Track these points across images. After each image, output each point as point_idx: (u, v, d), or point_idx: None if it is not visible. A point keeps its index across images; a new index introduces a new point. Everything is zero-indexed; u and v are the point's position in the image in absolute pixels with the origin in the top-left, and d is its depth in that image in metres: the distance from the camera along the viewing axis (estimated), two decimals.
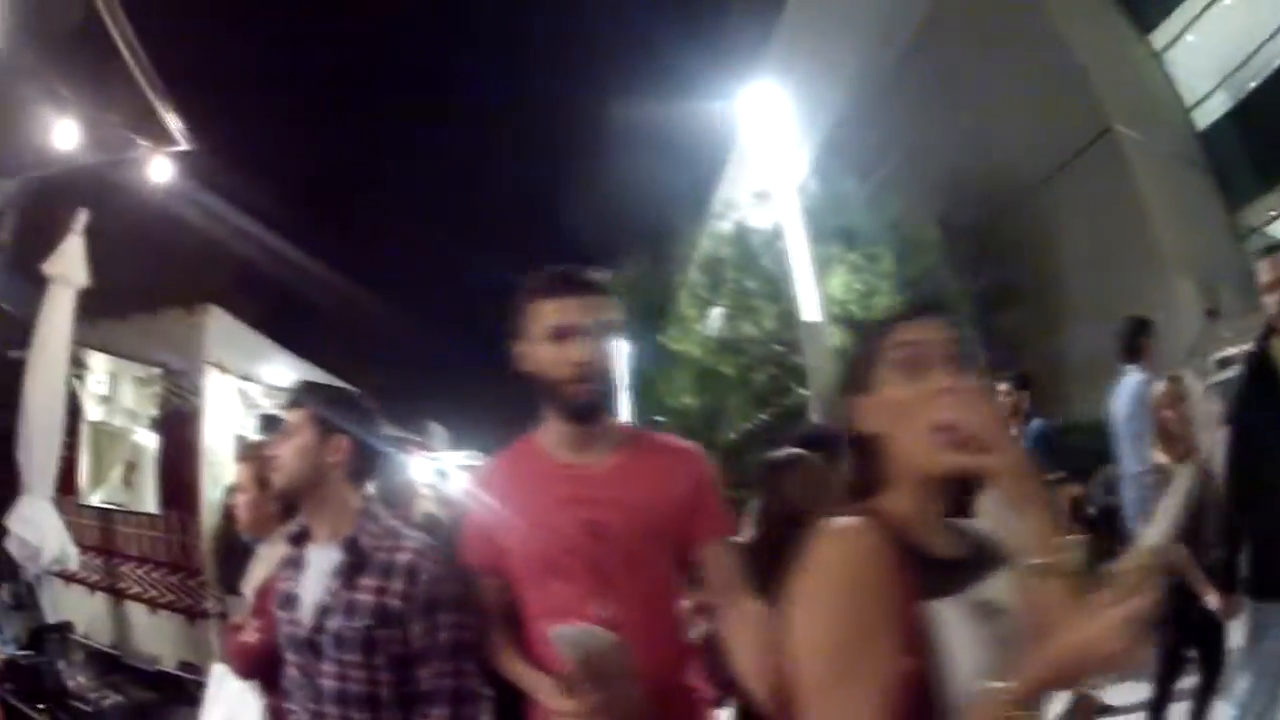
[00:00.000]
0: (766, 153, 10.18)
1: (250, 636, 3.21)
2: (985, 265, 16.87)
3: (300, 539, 2.81)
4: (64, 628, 7.15)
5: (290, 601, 2.72)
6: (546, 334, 2.54)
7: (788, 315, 13.15)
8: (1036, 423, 6.82)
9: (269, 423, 11.12)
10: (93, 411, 9.95)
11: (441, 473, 18.43)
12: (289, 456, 2.73)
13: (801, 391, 14.04)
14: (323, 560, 2.69)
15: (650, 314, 21.71)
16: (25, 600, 7.62)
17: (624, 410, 22.96)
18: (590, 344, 2.52)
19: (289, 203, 23.29)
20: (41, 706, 5.21)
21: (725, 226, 17.28)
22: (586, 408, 2.56)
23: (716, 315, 16.21)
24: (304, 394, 2.93)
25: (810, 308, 9.35)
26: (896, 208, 15.78)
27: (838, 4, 19.06)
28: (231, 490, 7.92)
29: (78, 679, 5.25)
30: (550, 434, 2.66)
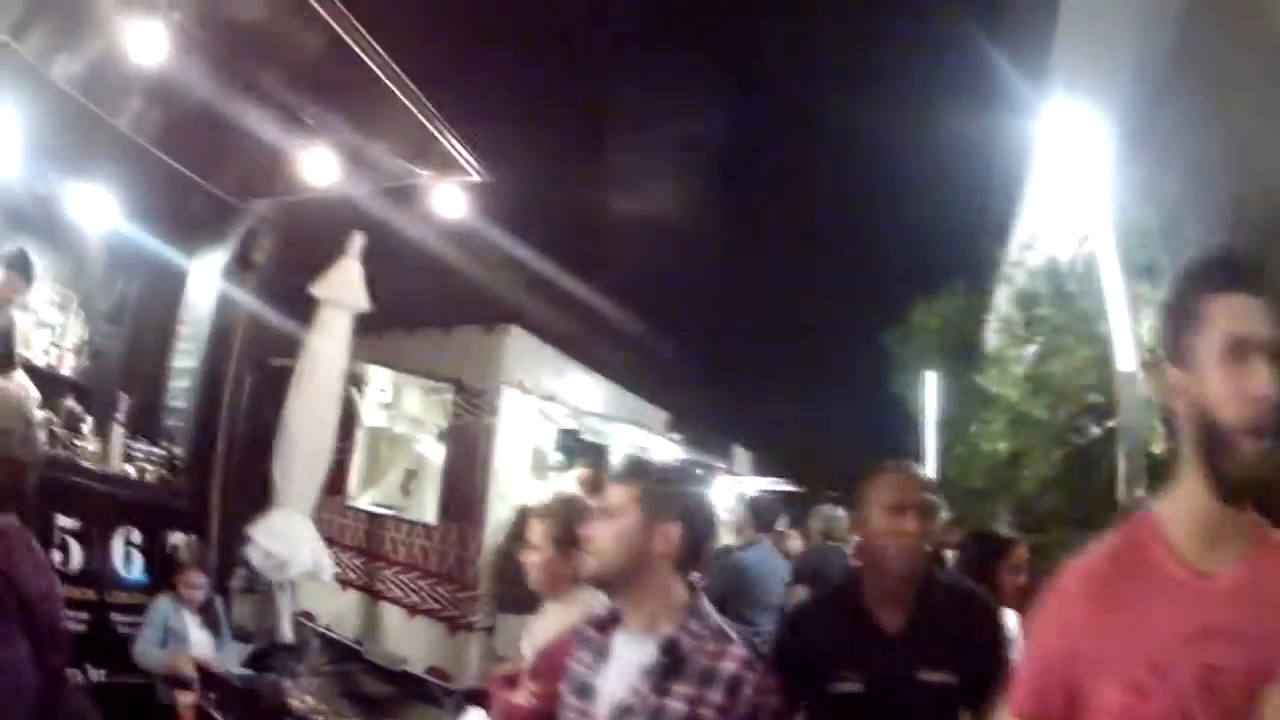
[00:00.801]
0: (1069, 176, 9.47)
1: (525, 699, 3.04)
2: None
3: (608, 624, 2.52)
4: (299, 649, 7.18)
5: (586, 691, 2.44)
6: (1220, 349, 1.66)
7: (1102, 358, 12.51)
8: None
9: (568, 441, 11.08)
10: (372, 417, 10.01)
11: (743, 497, 18.58)
12: (609, 541, 2.44)
13: (1098, 429, 13.44)
14: (633, 653, 2.40)
15: (961, 349, 21.14)
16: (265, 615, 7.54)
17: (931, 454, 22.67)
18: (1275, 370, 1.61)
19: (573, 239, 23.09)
20: None
21: (1036, 258, 16.60)
22: (1258, 479, 1.63)
23: (1030, 354, 15.54)
24: (633, 471, 2.61)
25: (1126, 355, 8.62)
26: (1193, 242, 14.78)
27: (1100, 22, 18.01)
28: (523, 540, 7.92)
29: (305, 699, 4.99)
30: (1183, 517, 1.73)
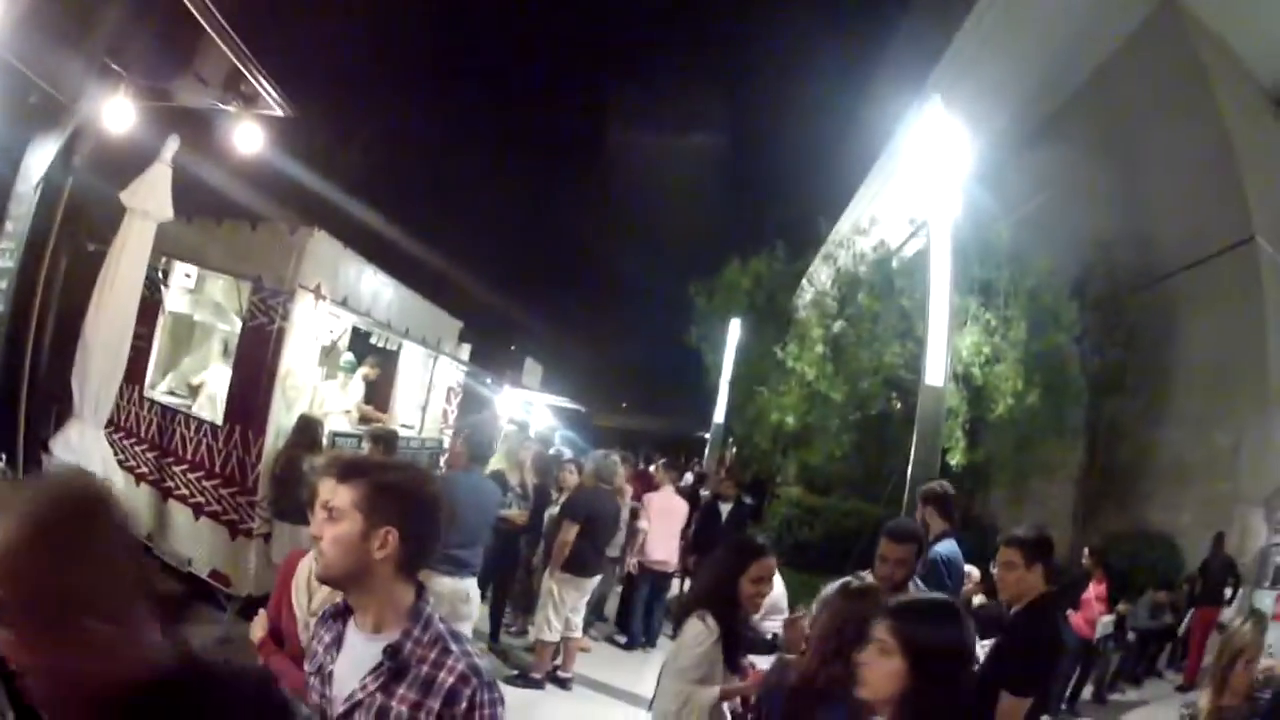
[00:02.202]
0: (928, 176, 9.50)
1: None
2: (1104, 345, 16.22)
3: (343, 614, 2.49)
4: None
5: (323, 677, 2.46)
6: None
7: (913, 358, 12.71)
8: (945, 544, 6.03)
9: (360, 344, 10.92)
10: (174, 302, 9.68)
11: (529, 406, 18.61)
12: (330, 543, 2.37)
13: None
14: (361, 650, 2.40)
15: (768, 313, 21.32)
16: None
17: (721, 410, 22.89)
18: None
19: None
20: None
21: (866, 244, 16.69)
22: None
23: (836, 333, 15.69)
24: (353, 473, 2.46)
25: (936, 368, 8.67)
26: (1039, 271, 15.05)
27: (1008, 39, 18.18)
28: (303, 447, 7.68)
29: None
30: None
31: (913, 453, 8.63)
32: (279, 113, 7.08)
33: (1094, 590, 10.61)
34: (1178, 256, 16.48)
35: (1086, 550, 11.21)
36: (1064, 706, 10.31)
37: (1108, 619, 10.52)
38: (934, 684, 2.54)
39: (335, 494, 2.40)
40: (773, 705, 4.02)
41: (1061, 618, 9.74)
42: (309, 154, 13.19)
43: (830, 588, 4.72)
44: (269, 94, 6.80)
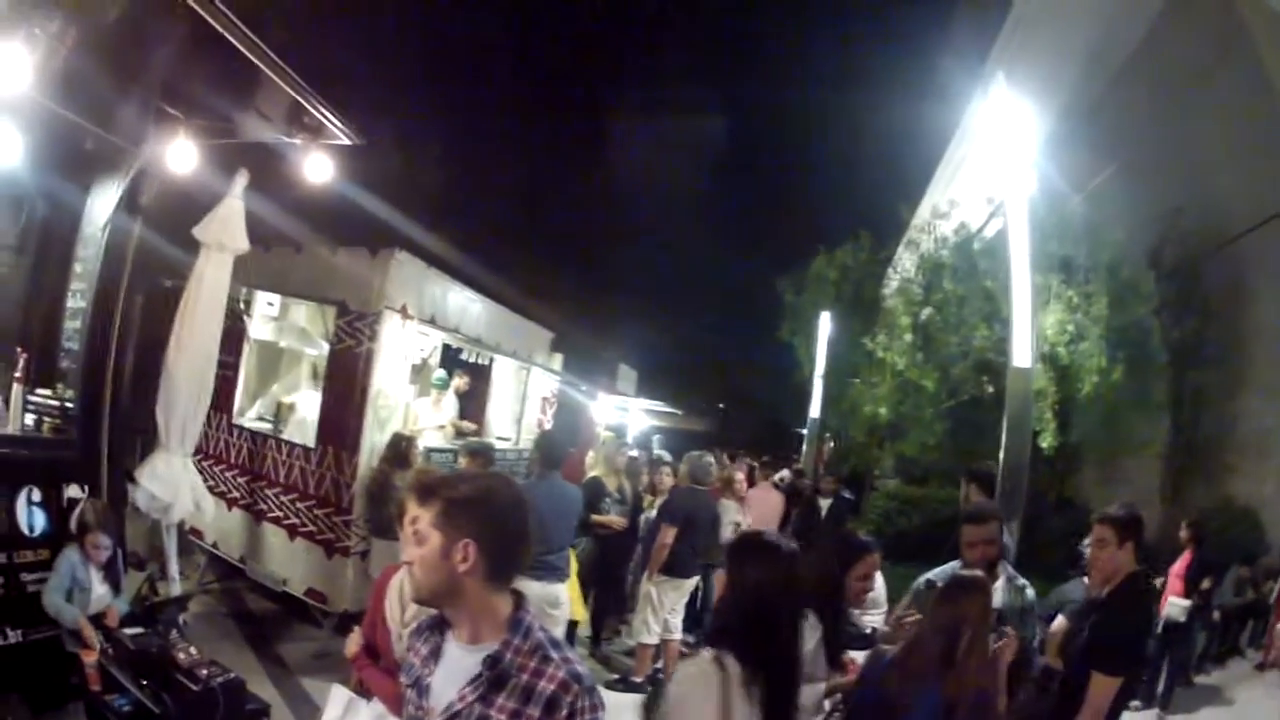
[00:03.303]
0: (1001, 156, 9.43)
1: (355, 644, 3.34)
2: (1182, 315, 15.90)
3: (441, 626, 2.53)
4: (183, 600, 7.13)
5: (420, 689, 2.48)
6: None
7: (1000, 340, 12.58)
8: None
9: (451, 361, 11.11)
10: (259, 330, 9.89)
11: (624, 410, 18.76)
12: (417, 564, 2.43)
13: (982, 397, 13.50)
14: (460, 660, 2.43)
15: (856, 304, 21.26)
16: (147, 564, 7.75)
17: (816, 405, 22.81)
18: None
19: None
20: (145, 683, 5.00)
21: (947, 227, 16.57)
22: None
23: (924, 319, 15.60)
24: (429, 491, 2.49)
25: (1022, 349, 8.58)
26: (1115, 244, 14.82)
27: (1061, 10, 17.95)
28: (396, 465, 7.82)
29: (190, 651, 5.04)
30: None
31: (1004, 437, 8.53)
32: (347, 141, 7.22)
33: (1180, 566, 10.39)
34: (1242, 219, 15.97)
35: (1184, 524, 10.93)
36: (1159, 690, 10.00)
37: (1181, 602, 10.16)
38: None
39: (417, 515, 2.47)
40: (866, 698, 4.05)
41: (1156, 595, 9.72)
42: (386, 177, 13.39)
43: (921, 580, 4.95)
44: (333, 124, 6.91)
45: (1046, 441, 13.52)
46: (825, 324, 22.58)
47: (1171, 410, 16.01)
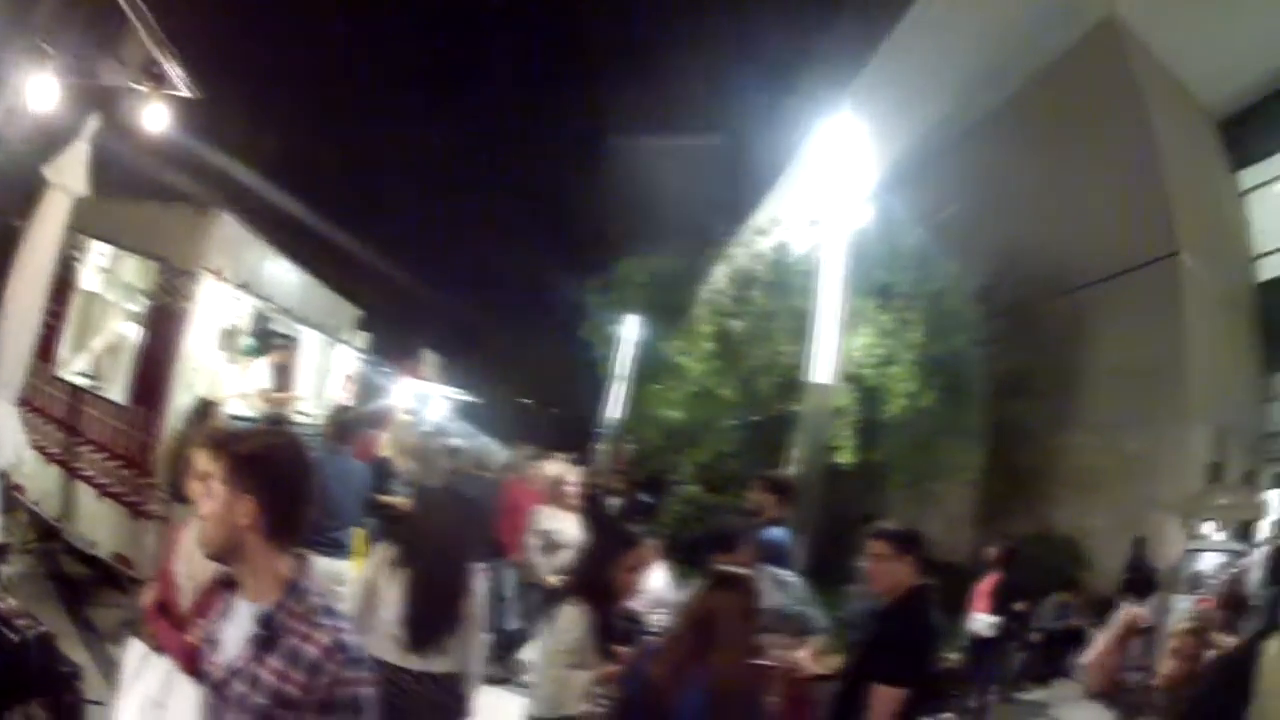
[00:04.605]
0: (830, 182, 9.90)
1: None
2: (1012, 349, 16.71)
3: (231, 584, 2.61)
4: (2, 550, 7.00)
5: (212, 642, 2.59)
6: None
7: (795, 353, 12.92)
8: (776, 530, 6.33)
9: (260, 329, 11.11)
10: (88, 281, 9.84)
11: (425, 398, 18.87)
12: (205, 522, 2.52)
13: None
14: (243, 618, 2.51)
15: (667, 311, 21.52)
16: None
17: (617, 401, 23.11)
18: None
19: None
20: None
21: (766, 244, 17.01)
22: None
23: (730, 331, 15.98)
24: (216, 443, 2.75)
25: (825, 365, 9.04)
26: (944, 277, 15.51)
27: (941, 43, 18.66)
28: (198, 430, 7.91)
29: (8, 600, 5.07)
30: None
31: (796, 449, 8.95)
32: (187, 94, 7.33)
33: (987, 585, 10.95)
34: (1100, 266, 17.14)
35: (993, 546, 11.49)
36: (971, 704, 10.55)
37: (987, 619, 10.73)
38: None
39: (208, 470, 2.66)
40: (633, 686, 4.23)
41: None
42: (223, 140, 13.41)
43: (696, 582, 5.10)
44: (178, 76, 7.05)
45: (846, 459, 14.00)
46: (630, 326, 22.83)
47: (991, 439, 16.77)
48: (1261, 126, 19.42)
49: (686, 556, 5.73)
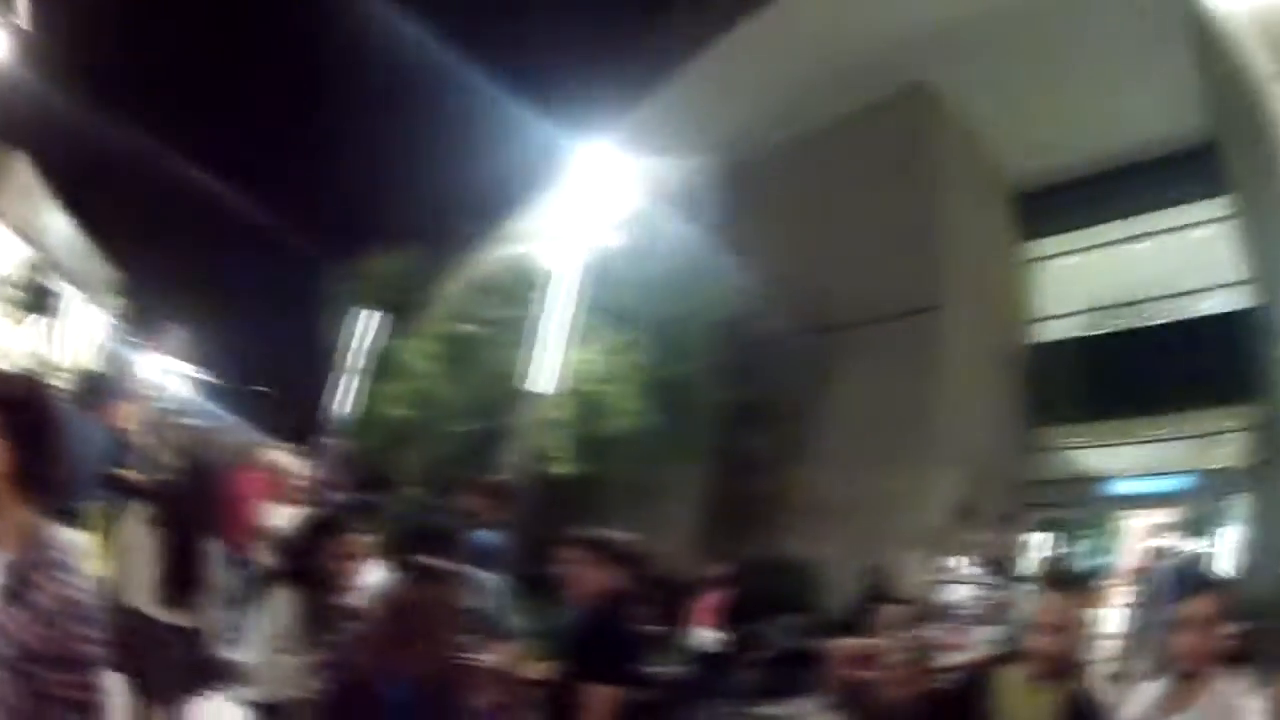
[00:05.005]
0: (583, 202, 10.24)
1: None
2: (756, 380, 17.39)
3: None
4: None
5: None
6: None
7: (520, 363, 13.02)
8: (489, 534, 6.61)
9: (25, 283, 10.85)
10: None
11: (169, 373, 18.51)
12: None
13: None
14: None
15: (404, 309, 21.37)
16: None
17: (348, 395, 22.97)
18: None
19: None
20: None
21: (509, 253, 17.16)
22: None
23: (460, 334, 16.07)
24: None
25: (547, 377, 9.37)
26: (684, 304, 16.01)
27: (740, 79, 19.25)
28: None
29: None
30: None
31: (512, 456, 9.21)
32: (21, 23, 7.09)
33: (710, 602, 11.48)
34: (859, 311, 18.09)
35: (717, 566, 12.04)
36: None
37: (709, 634, 11.20)
38: None
39: None
40: (341, 671, 4.26)
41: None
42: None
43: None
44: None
45: (561, 469, 14.27)
46: (367, 320, 22.79)
47: (721, 463, 17.50)
48: (1057, 205, 21.18)
49: (399, 554, 5.82)
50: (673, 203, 16.75)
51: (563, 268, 9.95)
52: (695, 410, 16.04)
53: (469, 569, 5.33)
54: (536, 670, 5.09)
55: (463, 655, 4.22)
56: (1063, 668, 3.65)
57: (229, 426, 9.17)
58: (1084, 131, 19.36)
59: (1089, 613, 3.80)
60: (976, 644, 11.59)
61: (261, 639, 4.83)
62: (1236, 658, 11.70)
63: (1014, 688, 3.70)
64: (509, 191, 20.28)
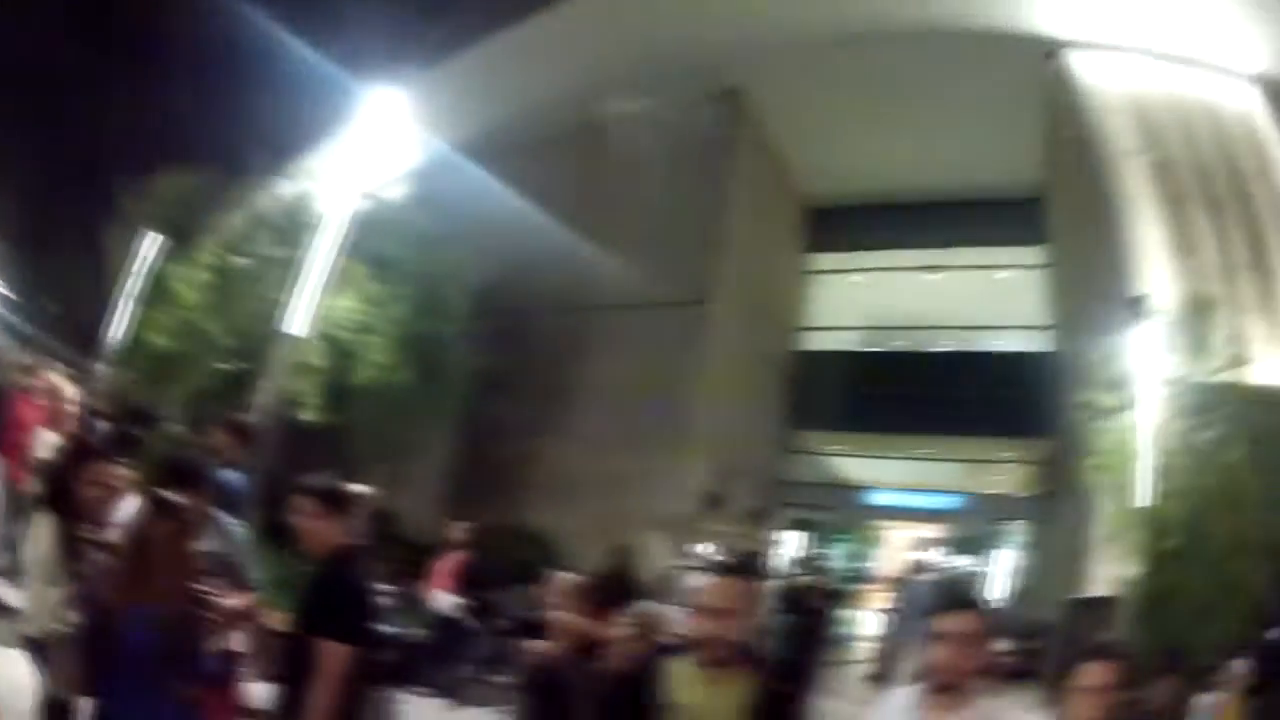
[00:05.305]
0: (366, 151, 10.21)
1: None
2: (508, 350, 17.53)
3: None
4: None
5: None
6: None
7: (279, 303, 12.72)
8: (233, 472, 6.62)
9: None
10: None
11: None
12: None
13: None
14: None
15: (183, 234, 20.58)
16: None
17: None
18: None
19: None
20: None
21: (288, 191, 16.74)
22: None
23: (231, 267, 15.55)
24: None
25: (301, 320, 9.26)
26: (447, 264, 16.05)
27: (549, 54, 19.26)
28: None
29: None
30: None
31: (261, 397, 9.06)
32: None
33: (449, 565, 11.47)
34: (631, 295, 18.59)
35: (458, 526, 11.97)
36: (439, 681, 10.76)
37: (448, 598, 11.22)
38: None
39: None
40: (91, 602, 4.21)
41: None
42: None
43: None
44: None
45: (310, 416, 14.09)
46: (149, 243, 21.98)
47: (470, 429, 17.80)
48: (846, 224, 22.87)
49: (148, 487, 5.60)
50: (460, 165, 16.75)
51: (335, 212, 9.85)
52: (448, 371, 15.90)
53: (212, 509, 5.19)
54: (275, 621, 4.95)
55: (202, 597, 4.19)
56: (725, 653, 3.53)
57: (8, 345, 8.58)
58: (896, 163, 20.92)
59: (756, 599, 3.76)
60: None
61: (27, 570, 4.69)
62: (1013, 675, 12.76)
63: (689, 675, 3.58)
64: (300, 129, 19.69)
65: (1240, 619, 10.25)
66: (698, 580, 3.48)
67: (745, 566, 3.63)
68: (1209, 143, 16.47)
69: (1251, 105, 16.72)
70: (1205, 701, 6.51)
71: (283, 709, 4.30)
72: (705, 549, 15.37)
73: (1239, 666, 5.46)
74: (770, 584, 15.59)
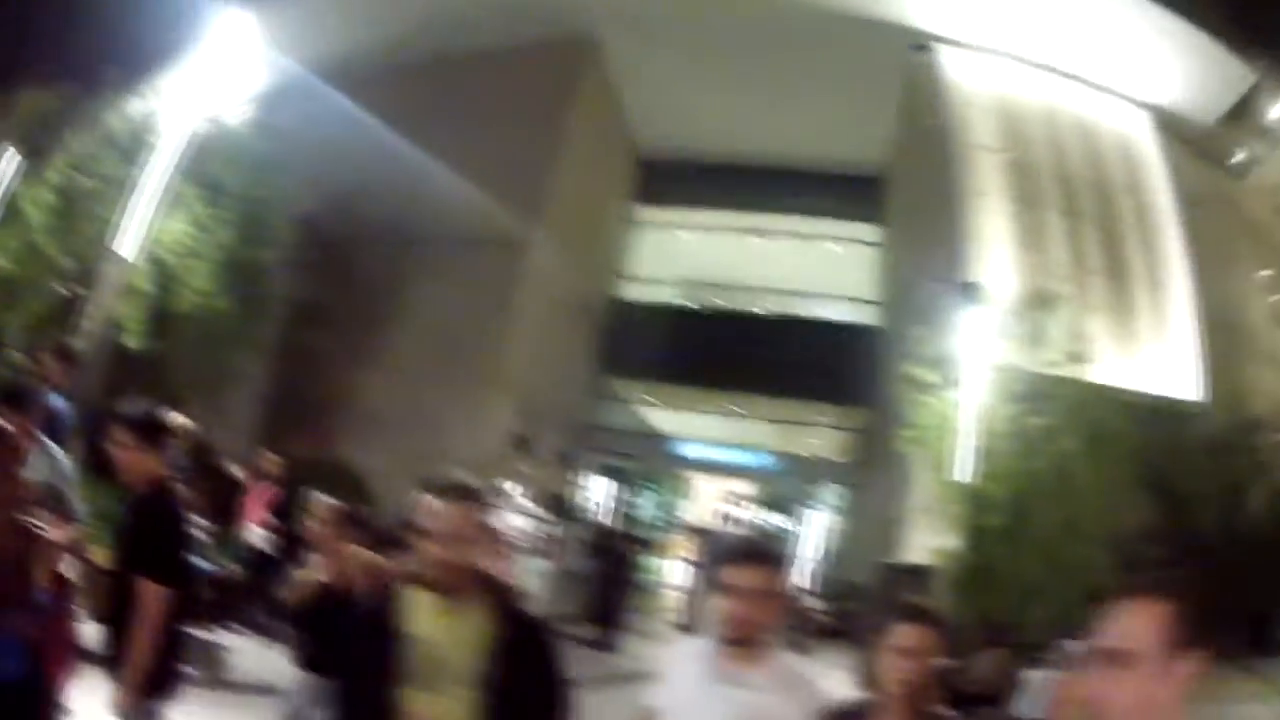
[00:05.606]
0: (210, 71, 9.96)
1: None
2: (322, 280, 17.51)
3: None
4: None
5: None
6: None
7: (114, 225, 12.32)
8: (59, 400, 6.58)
9: None
10: None
11: None
12: None
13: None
14: None
15: (38, 152, 19.49)
16: None
17: None
18: None
19: None
20: None
21: (136, 110, 16.04)
22: None
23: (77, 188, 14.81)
24: None
25: (131, 243, 8.98)
26: (271, 190, 15.60)
27: None
28: None
29: None
30: None
31: (85, 320, 8.78)
32: None
33: (261, 495, 11.50)
34: (451, 230, 18.51)
35: (270, 456, 12.06)
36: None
37: (260, 531, 11.13)
38: None
39: None
40: None
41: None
42: None
43: None
44: None
45: (134, 342, 13.78)
46: (6, 161, 20.83)
47: (283, 359, 17.60)
48: (681, 180, 23.32)
49: None
50: (307, 91, 16.24)
51: (172, 133, 9.53)
52: (264, 300, 15.68)
53: (38, 435, 5.02)
54: (98, 555, 4.84)
55: (25, 525, 3.99)
56: (459, 580, 3.29)
57: None
58: (739, 126, 21.47)
59: (480, 524, 3.48)
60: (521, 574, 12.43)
61: None
62: (825, 634, 13.66)
63: (426, 604, 3.32)
64: (154, 47, 18.74)
65: (1075, 603, 10.51)
66: (429, 505, 3.26)
67: (469, 492, 3.54)
68: (1077, 153, 17.47)
69: (1135, 128, 17.80)
70: (1036, 678, 7.03)
71: (109, 648, 4.29)
72: (511, 489, 15.60)
73: (1072, 646, 5.98)
74: (576, 528, 16.09)
